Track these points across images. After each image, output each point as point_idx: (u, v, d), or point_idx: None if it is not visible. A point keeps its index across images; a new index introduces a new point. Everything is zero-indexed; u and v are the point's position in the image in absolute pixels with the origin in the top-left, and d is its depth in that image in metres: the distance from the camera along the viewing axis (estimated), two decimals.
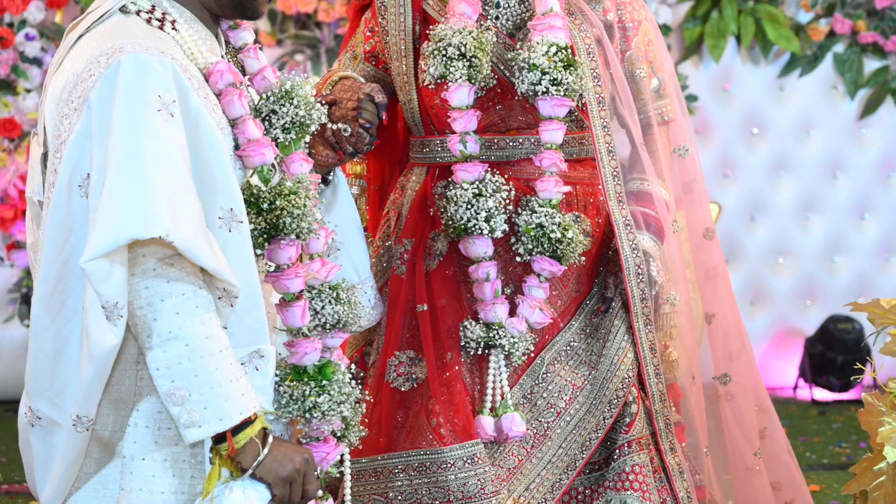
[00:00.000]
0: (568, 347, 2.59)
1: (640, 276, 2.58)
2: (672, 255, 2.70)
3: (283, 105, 2.20)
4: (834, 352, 5.20)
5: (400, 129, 2.80)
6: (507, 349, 2.49)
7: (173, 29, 2.08)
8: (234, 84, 2.10)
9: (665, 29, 5.36)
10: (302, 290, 2.17)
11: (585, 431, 2.55)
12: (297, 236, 2.15)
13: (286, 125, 2.20)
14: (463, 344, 2.54)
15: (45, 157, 2.09)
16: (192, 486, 2.05)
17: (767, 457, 2.82)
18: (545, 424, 2.54)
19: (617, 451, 2.54)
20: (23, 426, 2.06)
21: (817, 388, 5.34)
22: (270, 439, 2.09)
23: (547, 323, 2.55)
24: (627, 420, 2.57)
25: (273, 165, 2.15)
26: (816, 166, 5.77)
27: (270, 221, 2.16)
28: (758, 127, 5.73)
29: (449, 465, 2.48)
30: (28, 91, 5.24)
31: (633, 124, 2.65)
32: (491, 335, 2.53)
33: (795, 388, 5.49)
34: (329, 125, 2.40)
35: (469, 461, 2.48)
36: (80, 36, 2.07)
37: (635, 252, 2.56)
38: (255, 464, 2.03)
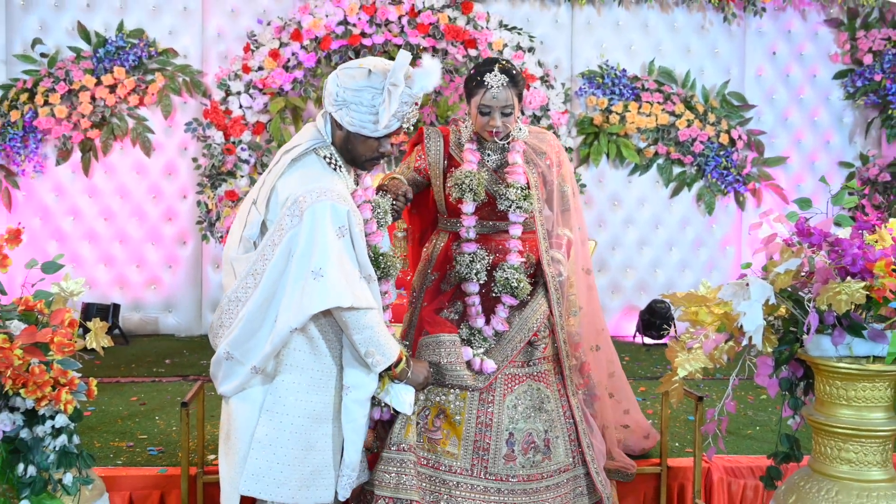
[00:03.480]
0: (511, 306, 2.62)
1: (556, 288, 2.68)
2: (576, 274, 2.81)
3: (384, 211, 2.46)
4: (654, 318, 5.46)
5: (430, 206, 2.82)
6: (478, 349, 2.60)
7: (339, 170, 2.30)
8: (366, 202, 2.41)
9: (570, 150, 5.69)
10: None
11: (512, 343, 2.60)
12: (390, 278, 2.50)
13: (382, 218, 2.46)
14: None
15: (263, 224, 2.25)
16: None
17: (615, 386, 2.96)
18: (496, 339, 2.61)
19: (535, 361, 2.64)
20: (219, 357, 2.25)
21: (646, 337, 5.53)
22: (411, 366, 2.39)
23: (506, 329, 2.61)
24: (542, 346, 2.65)
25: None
26: (647, 222, 5.99)
27: (383, 273, 2.46)
28: (617, 201, 6.01)
29: (441, 342, 2.55)
30: (241, 177, 5.44)
31: (558, 210, 2.75)
32: (472, 339, 2.60)
33: (634, 337, 5.70)
34: None
35: (453, 344, 2.54)
36: (293, 160, 2.25)
37: (554, 283, 2.67)
38: (405, 380, 2.39)
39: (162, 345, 5.48)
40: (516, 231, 2.62)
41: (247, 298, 2.21)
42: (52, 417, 2.01)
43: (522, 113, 5.33)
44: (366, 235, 2.35)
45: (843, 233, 2.27)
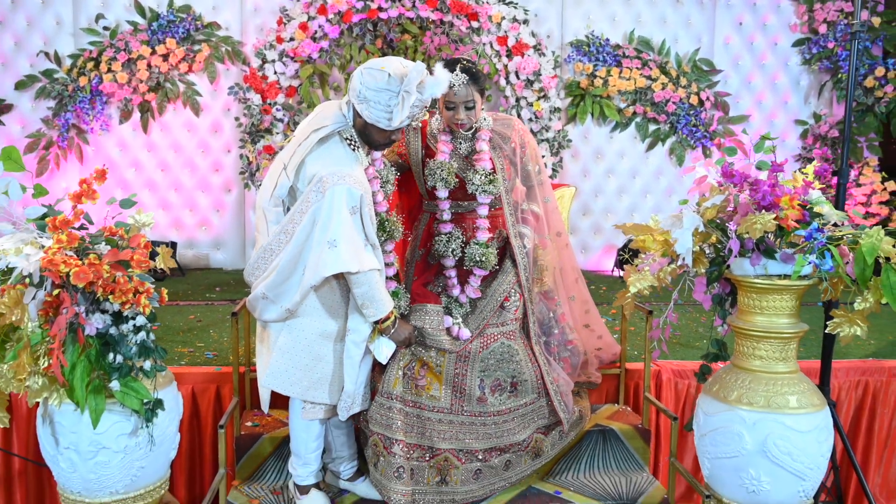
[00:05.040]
0: (482, 277, 2.63)
1: (524, 258, 2.66)
2: (547, 238, 2.76)
3: (385, 181, 2.48)
4: (628, 254, 5.24)
5: (415, 188, 2.79)
6: (457, 318, 2.61)
7: (357, 150, 2.34)
8: (375, 177, 2.45)
9: (559, 110, 5.62)
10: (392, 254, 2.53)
11: (485, 312, 2.62)
12: (394, 240, 2.52)
13: (386, 188, 2.47)
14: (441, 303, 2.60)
15: (291, 189, 2.29)
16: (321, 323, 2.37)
17: (589, 319, 3.00)
18: (471, 305, 2.63)
19: (507, 321, 2.63)
20: (256, 296, 2.34)
21: (622, 271, 5.40)
22: (396, 323, 2.43)
23: (478, 295, 2.62)
24: (513, 308, 2.64)
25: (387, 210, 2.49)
26: (626, 173, 6.11)
27: (388, 235, 2.50)
28: (600, 155, 6.09)
29: (427, 311, 2.59)
30: (277, 133, 5.39)
31: (526, 186, 2.71)
32: (451, 307, 2.62)
33: (612, 271, 5.86)
34: None
35: (436, 313, 2.59)
36: (321, 139, 2.28)
37: (521, 253, 2.65)
38: (389, 334, 2.43)
39: (212, 276, 5.60)
40: (483, 211, 2.60)
41: (280, 250, 2.29)
42: (134, 318, 2.15)
43: (521, 91, 5.43)
44: (375, 204, 2.40)
45: (763, 175, 2.44)
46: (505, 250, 2.69)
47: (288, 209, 2.31)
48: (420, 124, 2.65)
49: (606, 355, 3.12)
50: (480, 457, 2.57)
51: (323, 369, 2.38)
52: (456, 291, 2.61)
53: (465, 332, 2.55)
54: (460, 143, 2.63)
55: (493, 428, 2.57)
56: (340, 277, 2.33)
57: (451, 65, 2.47)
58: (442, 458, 2.54)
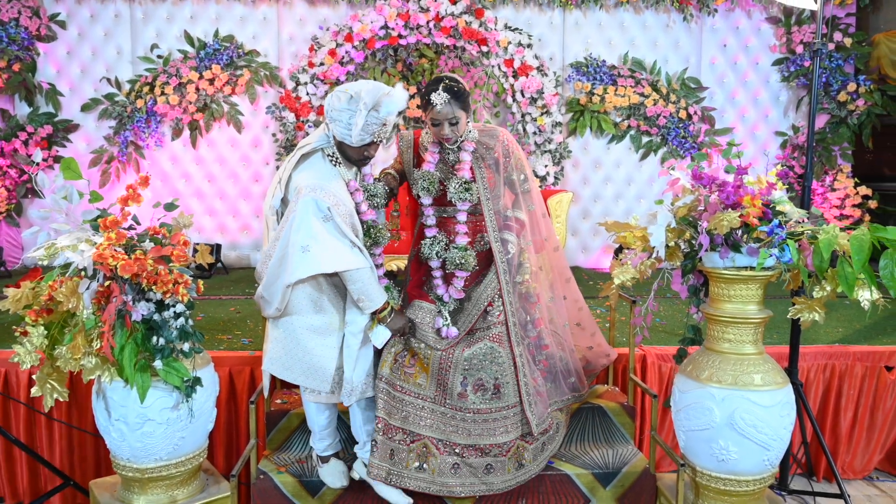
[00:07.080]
0: (467, 282, 2.57)
1: (504, 264, 2.55)
2: (536, 243, 2.64)
3: (372, 195, 2.40)
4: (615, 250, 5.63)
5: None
6: (443, 310, 2.54)
7: (339, 165, 2.31)
8: (358, 189, 2.35)
9: (560, 124, 5.65)
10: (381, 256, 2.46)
11: (471, 315, 2.55)
12: (379, 245, 2.43)
13: (373, 200, 2.40)
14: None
15: (283, 199, 2.30)
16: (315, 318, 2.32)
17: (581, 318, 2.88)
18: (456, 303, 2.57)
19: (490, 325, 2.54)
20: (258, 296, 2.34)
21: None
22: (392, 314, 2.39)
23: (461, 296, 2.55)
24: (496, 312, 2.55)
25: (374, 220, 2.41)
26: (622, 181, 6.01)
27: (373, 241, 2.41)
28: (598, 164, 6.02)
29: (421, 307, 2.54)
30: None
31: (512, 193, 2.61)
32: (439, 304, 2.55)
33: (610, 269, 5.88)
34: None
35: (429, 312, 2.53)
36: (303, 154, 2.26)
37: (502, 259, 2.55)
38: (386, 324, 2.39)
39: (252, 274, 5.55)
40: (462, 217, 2.52)
41: (273, 255, 2.29)
42: (174, 305, 2.20)
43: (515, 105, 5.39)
44: (359, 214, 2.35)
45: (730, 178, 2.45)
46: (489, 255, 2.59)
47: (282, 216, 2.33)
48: (413, 137, 2.60)
49: (596, 358, 2.94)
50: (458, 451, 2.45)
51: (311, 360, 2.33)
52: (441, 291, 2.55)
53: (453, 331, 2.49)
54: (448, 154, 2.54)
55: (472, 424, 2.45)
56: (326, 278, 2.29)
57: (434, 84, 2.38)
58: (421, 443, 2.46)
